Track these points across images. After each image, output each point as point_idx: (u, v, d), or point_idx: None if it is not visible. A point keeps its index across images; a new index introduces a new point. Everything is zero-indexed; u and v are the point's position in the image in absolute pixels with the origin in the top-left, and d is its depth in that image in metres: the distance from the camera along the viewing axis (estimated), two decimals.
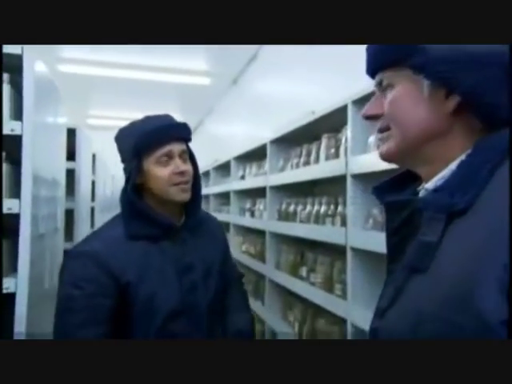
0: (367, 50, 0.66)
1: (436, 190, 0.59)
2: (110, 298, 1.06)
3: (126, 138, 1.17)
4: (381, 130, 0.65)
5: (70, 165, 2.40)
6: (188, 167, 1.18)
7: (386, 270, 0.71)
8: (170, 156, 1.15)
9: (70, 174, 2.40)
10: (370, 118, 0.67)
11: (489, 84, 0.55)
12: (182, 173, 1.15)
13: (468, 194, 0.54)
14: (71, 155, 2.44)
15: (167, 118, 1.21)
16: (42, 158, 1.53)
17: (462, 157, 0.58)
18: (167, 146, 1.14)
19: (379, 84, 0.65)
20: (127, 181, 1.15)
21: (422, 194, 0.64)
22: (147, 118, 1.18)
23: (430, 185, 0.62)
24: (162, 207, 1.17)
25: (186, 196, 1.18)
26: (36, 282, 1.45)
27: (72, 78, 5.32)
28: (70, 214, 2.40)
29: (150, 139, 1.12)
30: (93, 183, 3.31)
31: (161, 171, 1.14)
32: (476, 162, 0.55)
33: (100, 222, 3.89)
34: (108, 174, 4.99)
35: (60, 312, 1.07)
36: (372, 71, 0.67)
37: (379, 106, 0.65)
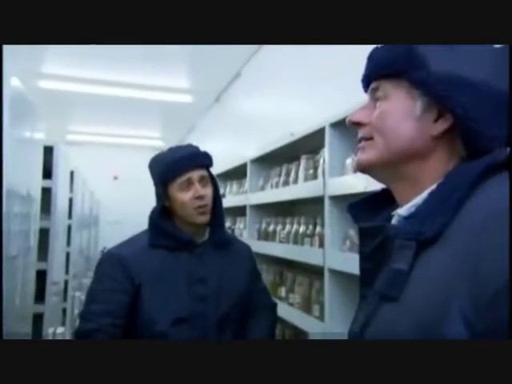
0: (369, 56, 0.66)
1: (407, 217, 0.60)
2: (127, 295, 1.22)
3: (154, 166, 1.33)
4: (364, 139, 0.65)
5: (47, 183, 2.36)
6: (207, 191, 1.31)
7: (359, 294, 0.71)
8: (190, 182, 1.28)
9: (47, 192, 2.36)
10: (355, 124, 0.66)
11: (483, 112, 0.56)
12: (201, 197, 1.28)
13: (436, 222, 0.54)
14: (48, 173, 2.40)
15: (188, 148, 1.36)
16: (16, 174, 1.51)
17: (434, 185, 0.59)
18: (187, 174, 1.28)
19: (373, 91, 0.65)
20: (157, 203, 1.33)
21: (394, 219, 0.64)
22: (170, 149, 1.34)
23: (403, 211, 0.62)
24: (187, 226, 1.32)
25: (204, 218, 1.31)
26: (6, 301, 1.41)
27: (53, 94, 5.27)
28: (45, 233, 2.36)
29: (172, 169, 1.28)
30: (70, 200, 3.26)
31: (182, 196, 1.28)
32: (445, 191, 0.56)
33: (77, 239, 3.82)
34: (87, 190, 4.91)
35: (86, 301, 1.25)
36: (369, 78, 0.67)
37: (368, 114, 0.64)
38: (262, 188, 2.55)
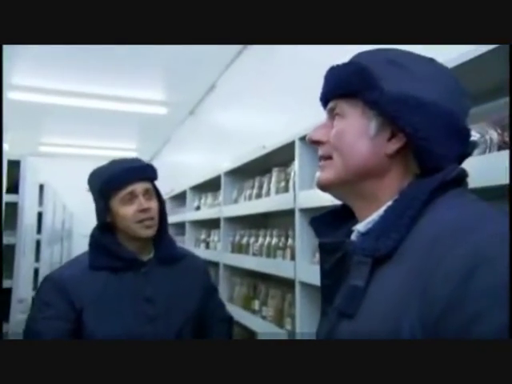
0: (326, 75, 0.67)
1: (364, 234, 0.61)
2: (68, 322, 1.16)
3: (93, 180, 1.27)
4: (323, 158, 0.66)
5: (12, 198, 2.29)
6: (152, 204, 1.26)
7: (321, 311, 0.71)
8: (133, 195, 1.23)
9: (13, 207, 2.29)
10: (314, 142, 0.67)
11: (433, 132, 0.58)
12: (145, 210, 1.23)
13: (390, 239, 0.55)
14: (15, 187, 2.33)
15: (131, 160, 1.29)
16: None
17: (391, 202, 0.60)
18: (130, 187, 1.22)
19: (331, 110, 0.66)
20: (97, 219, 1.27)
21: (353, 235, 0.65)
22: (112, 162, 1.28)
23: (361, 227, 0.63)
24: (131, 243, 1.27)
25: (150, 232, 1.26)
26: None
27: (23, 106, 5.17)
28: (10, 250, 2.28)
29: (113, 181, 1.22)
30: (40, 215, 3.17)
31: (125, 209, 1.22)
32: (399, 208, 0.57)
33: (47, 254, 3.71)
34: (59, 203, 4.80)
35: (25, 331, 1.19)
36: (326, 98, 0.68)
37: (325, 133, 0.65)
38: (236, 200, 2.54)
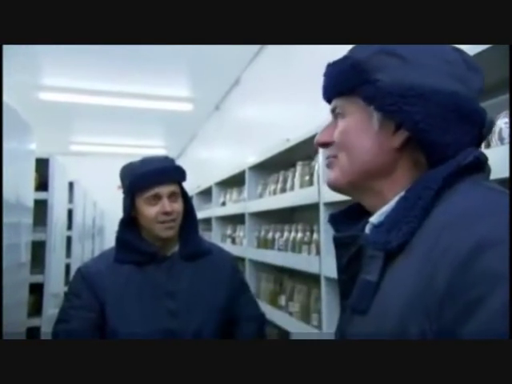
0: (324, 74, 0.66)
1: (377, 226, 0.58)
2: (93, 312, 1.21)
3: (123, 176, 1.31)
4: (328, 158, 0.64)
5: (42, 195, 2.35)
6: (175, 207, 1.28)
7: (340, 307, 0.69)
8: (158, 197, 1.26)
9: (43, 205, 2.35)
10: (321, 145, 0.65)
11: (434, 121, 0.54)
12: (167, 213, 1.26)
13: (401, 231, 0.52)
14: (44, 185, 2.39)
15: (160, 161, 1.31)
16: (3, 184, 1.49)
17: (403, 193, 0.57)
18: (155, 189, 1.25)
19: (333, 111, 0.64)
20: (123, 212, 1.30)
21: (367, 227, 0.62)
22: (143, 160, 1.30)
23: (373, 219, 0.60)
24: (154, 239, 1.30)
25: (170, 233, 1.29)
26: None
27: (54, 106, 5.31)
28: (41, 246, 2.34)
29: (140, 181, 1.25)
30: (70, 212, 3.25)
31: (148, 210, 1.26)
32: (410, 199, 0.54)
33: (79, 250, 3.81)
34: (89, 200, 4.92)
35: (56, 319, 1.25)
36: (327, 98, 0.66)
37: (330, 134, 0.63)
38: (261, 195, 2.52)
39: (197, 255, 1.34)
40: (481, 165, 0.56)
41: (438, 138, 0.54)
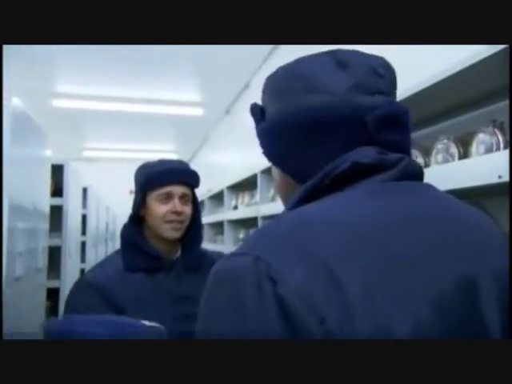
0: None
1: None
2: None
3: (139, 173, 1.32)
4: None
5: (57, 201, 2.38)
6: (185, 209, 1.29)
7: None
8: (170, 196, 1.26)
9: (58, 211, 2.38)
10: None
11: (282, 149, 0.57)
12: (177, 212, 1.26)
13: None
14: (59, 191, 2.42)
15: (177, 163, 1.34)
16: (20, 190, 1.51)
17: None
18: (169, 187, 1.26)
19: None
20: (132, 210, 1.29)
21: None
22: (160, 160, 1.32)
23: None
24: (157, 241, 1.29)
25: (176, 234, 1.28)
26: (12, 325, 1.40)
27: (67, 113, 5.38)
28: (57, 251, 2.37)
29: (155, 178, 1.27)
30: (84, 217, 3.28)
31: (158, 208, 1.26)
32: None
33: (92, 255, 3.84)
34: (102, 205, 4.96)
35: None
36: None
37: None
38: (273, 198, 2.52)
39: (196, 266, 1.32)
40: (372, 166, 0.49)
41: (292, 161, 0.56)
